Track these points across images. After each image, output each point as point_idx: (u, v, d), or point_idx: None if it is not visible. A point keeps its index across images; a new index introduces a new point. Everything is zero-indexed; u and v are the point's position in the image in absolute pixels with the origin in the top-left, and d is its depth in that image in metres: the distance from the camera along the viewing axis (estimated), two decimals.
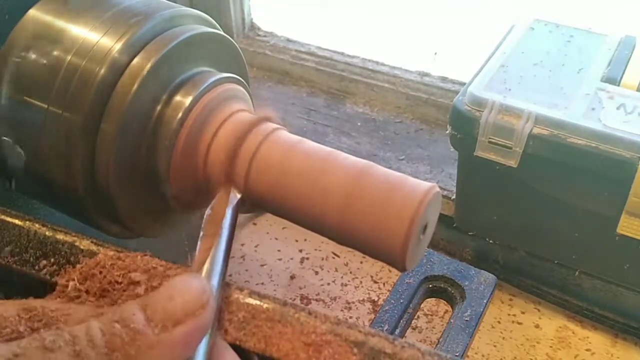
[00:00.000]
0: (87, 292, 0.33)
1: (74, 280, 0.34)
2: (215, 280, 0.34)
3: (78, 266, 0.35)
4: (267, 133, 0.39)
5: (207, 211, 0.37)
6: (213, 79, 0.41)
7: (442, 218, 0.79)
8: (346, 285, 0.93)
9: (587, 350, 0.85)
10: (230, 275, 0.95)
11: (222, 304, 0.34)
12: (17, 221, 0.38)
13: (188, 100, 0.39)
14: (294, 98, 1.14)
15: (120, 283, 0.33)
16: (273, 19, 1.22)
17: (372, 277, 0.94)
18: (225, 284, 0.35)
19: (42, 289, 0.34)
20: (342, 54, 1.14)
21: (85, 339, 0.26)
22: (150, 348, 0.27)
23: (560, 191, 0.76)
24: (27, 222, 0.38)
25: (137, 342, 0.27)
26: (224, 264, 0.35)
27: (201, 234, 0.36)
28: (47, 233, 0.37)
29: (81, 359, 0.26)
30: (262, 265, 0.96)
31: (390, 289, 0.76)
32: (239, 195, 0.39)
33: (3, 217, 0.38)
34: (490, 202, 0.83)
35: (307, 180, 0.37)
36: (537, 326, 0.88)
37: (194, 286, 0.30)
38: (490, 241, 0.88)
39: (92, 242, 0.37)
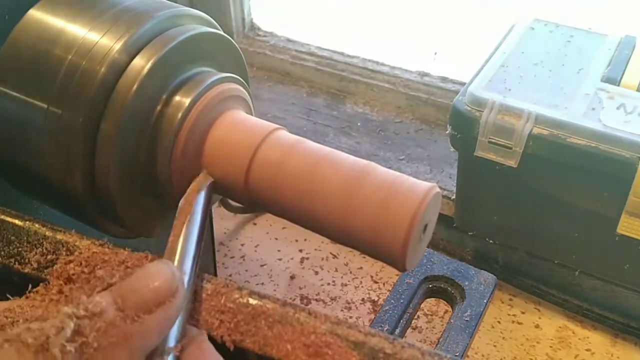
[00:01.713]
0: (70, 290, 0.33)
1: (58, 279, 0.34)
2: (188, 265, 0.34)
3: (61, 264, 0.35)
4: (267, 133, 0.39)
5: (181, 201, 0.38)
6: (213, 79, 0.41)
7: (442, 218, 0.79)
8: (346, 285, 0.93)
9: (587, 350, 0.85)
10: (230, 275, 0.95)
11: (196, 288, 0.34)
12: (17, 221, 0.38)
13: (188, 100, 0.39)
14: (294, 98, 1.14)
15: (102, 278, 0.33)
16: (273, 19, 1.22)
17: (372, 277, 0.94)
18: (198, 268, 0.35)
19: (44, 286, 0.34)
20: (342, 54, 1.14)
21: (56, 333, 0.26)
22: (124, 339, 0.27)
23: (560, 191, 0.76)
24: (27, 222, 0.38)
25: (110, 333, 0.27)
26: (197, 249, 0.35)
27: (174, 222, 0.36)
28: (47, 233, 0.37)
29: (52, 355, 0.26)
30: (262, 265, 0.96)
31: (390, 289, 0.76)
32: (209, 181, 0.39)
33: (3, 217, 0.38)
34: (490, 202, 0.83)
35: (306, 180, 0.37)
36: (537, 326, 0.88)
37: (164, 273, 0.30)
38: (490, 241, 0.88)
39: (92, 242, 0.37)
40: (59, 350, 0.26)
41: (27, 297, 0.33)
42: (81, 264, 0.34)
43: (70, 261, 0.35)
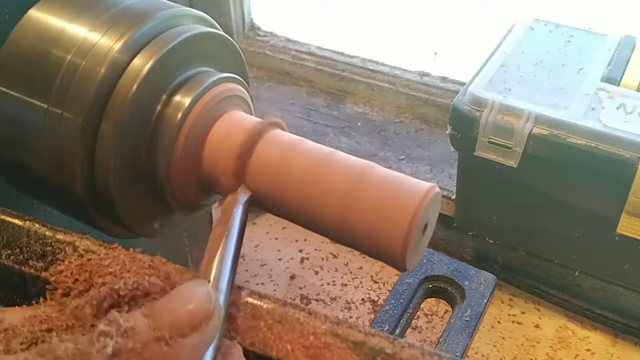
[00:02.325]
0: (71, 289, 0.33)
1: (61, 283, 0.34)
2: (223, 284, 0.33)
3: (65, 266, 0.34)
4: (267, 133, 0.39)
5: (219, 213, 0.37)
6: (213, 78, 0.41)
7: (442, 218, 0.79)
8: (346, 285, 0.93)
9: (587, 350, 0.85)
10: None
11: (230, 306, 0.33)
12: (17, 221, 0.38)
13: (188, 100, 0.39)
14: (294, 98, 1.14)
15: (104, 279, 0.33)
16: (273, 19, 1.22)
17: (372, 277, 0.94)
18: (234, 286, 0.34)
19: (42, 289, 0.34)
20: (342, 54, 1.14)
21: (91, 351, 0.26)
22: None
23: (560, 191, 0.76)
24: (27, 222, 0.38)
25: (144, 355, 0.26)
26: (233, 266, 0.35)
27: (211, 234, 0.36)
28: (47, 233, 0.37)
29: None
30: (262, 265, 0.96)
31: (390, 289, 0.76)
32: (247, 195, 0.38)
33: (3, 217, 0.38)
34: (490, 202, 0.83)
35: (307, 180, 0.37)
36: (537, 326, 0.88)
37: (200, 295, 0.29)
38: (490, 241, 0.88)
39: (92, 242, 0.37)
40: None
41: (45, 302, 0.33)
42: (72, 273, 0.34)
43: (61, 271, 0.34)
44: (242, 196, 0.38)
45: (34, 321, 0.30)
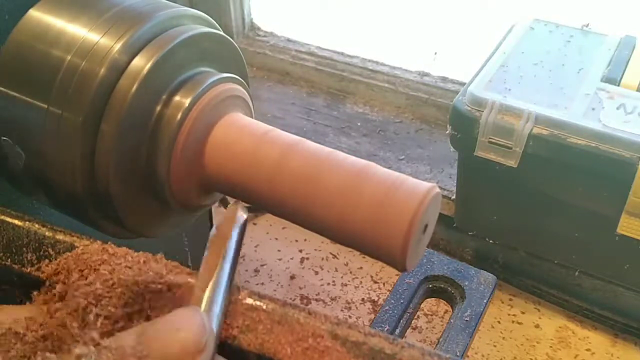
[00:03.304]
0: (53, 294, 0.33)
1: (47, 281, 0.34)
2: (216, 308, 0.32)
3: (53, 265, 0.34)
4: (266, 133, 0.39)
5: (212, 231, 0.36)
6: (213, 79, 0.41)
7: (442, 218, 0.79)
8: (346, 285, 0.93)
9: (587, 350, 0.85)
10: None
11: (222, 329, 0.33)
12: (17, 221, 0.38)
13: (188, 100, 0.39)
14: (294, 98, 1.14)
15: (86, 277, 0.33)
16: (273, 19, 1.22)
17: (372, 277, 0.94)
18: (226, 309, 0.33)
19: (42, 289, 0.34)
20: (342, 54, 1.14)
21: None
22: None
23: (560, 191, 0.76)
24: (27, 222, 0.38)
25: None
26: (227, 288, 0.34)
27: (205, 253, 0.35)
28: (47, 233, 0.37)
29: None
30: (262, 265, 0.96)
31: (390, 289, 0.76)
32: (245, 216, 0.38)
33: (3, 217, 0.38)
34: (490, 202, 0.83)
35: (307, 180, 0.37)
36: (537, 326, 0.88)
37: (193, 323, 0.28)
38: (490, 241, 0.88)
39: (91, 242, 0.37)
40: None
41: (32, 304, 0.33)
42: (48, 275, 0.34)
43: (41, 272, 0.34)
44: (240, 217, 0.37)
45: (30, 324, 0.30)
